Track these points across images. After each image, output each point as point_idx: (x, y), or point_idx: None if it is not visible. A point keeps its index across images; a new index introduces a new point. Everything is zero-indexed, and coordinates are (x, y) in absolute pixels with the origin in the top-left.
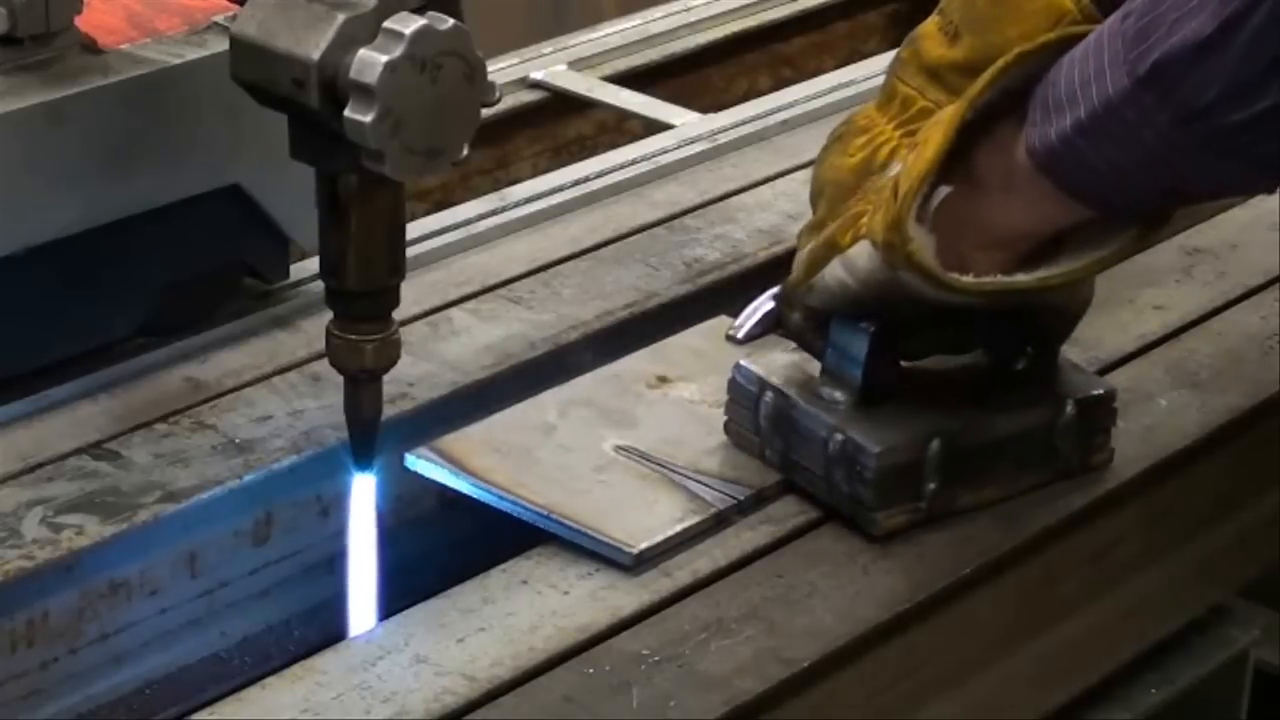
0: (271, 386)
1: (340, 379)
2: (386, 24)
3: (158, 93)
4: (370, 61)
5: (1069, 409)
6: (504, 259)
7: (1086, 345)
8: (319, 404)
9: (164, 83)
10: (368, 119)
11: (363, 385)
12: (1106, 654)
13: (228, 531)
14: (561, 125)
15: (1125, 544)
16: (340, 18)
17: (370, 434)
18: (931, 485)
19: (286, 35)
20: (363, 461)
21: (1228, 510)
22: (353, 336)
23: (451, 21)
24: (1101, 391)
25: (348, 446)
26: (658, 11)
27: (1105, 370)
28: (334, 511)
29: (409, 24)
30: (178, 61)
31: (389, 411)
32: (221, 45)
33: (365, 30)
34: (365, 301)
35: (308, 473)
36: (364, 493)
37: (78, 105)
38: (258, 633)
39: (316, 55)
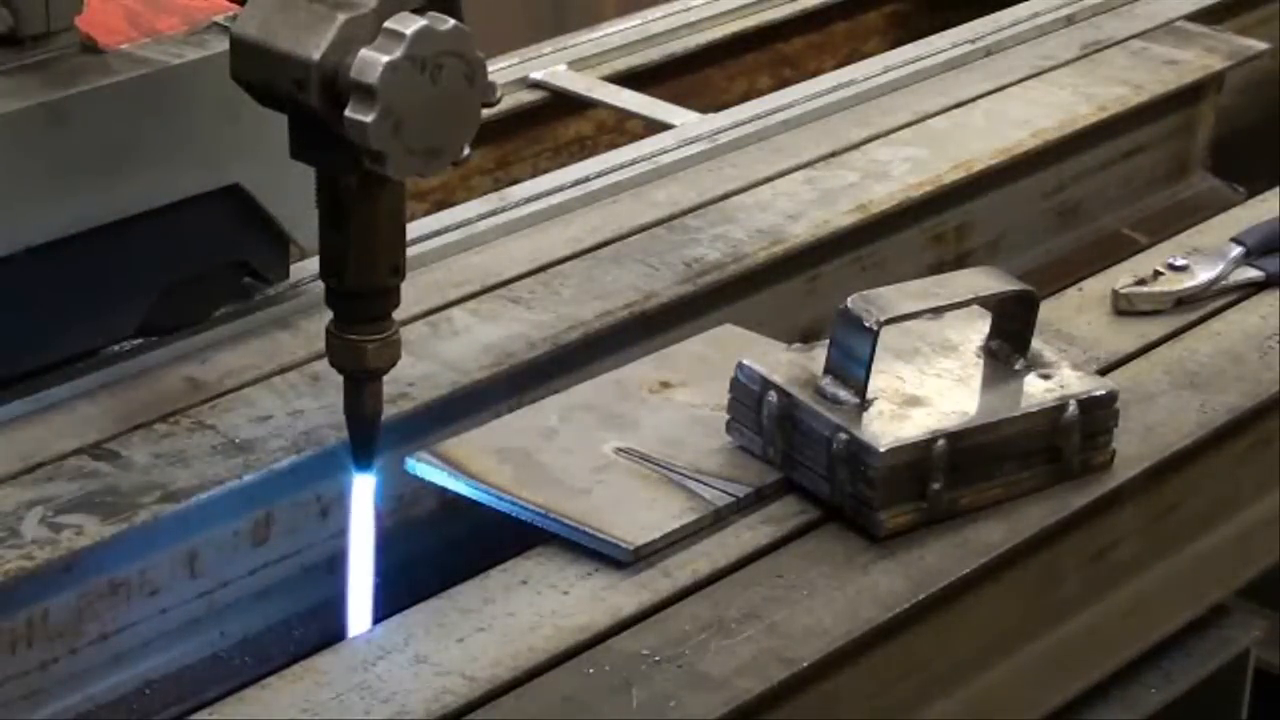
0: (271, 386)
1: (340, 379)
2: (387, 24)
3: (158, 93)
4: (371, 61)
5: (1070, 409)
6: (504, 259)
7: (1086, 345)
8: (319, 404)
9: (164, 83)
10: (369, 119)
11: (363, 385)
12: (1106, 654)
13: (227, 531)
14: (561, 125)
15: (1125, 544)
16: (341, 18)
17: (370, 434)
18: (935, 485)
19: (287, 35)
20: (363, 462)
21: (1228, 510)
22: (353, 337)
23: (452, 22)
24: (1102, 391)
25: (348, 446)
26: (658, 11)
27: (1105, 370)
28: (334, 512)
29: (409, 24)
30: (178, 61)
31: (389, 411)
32: (221, 45)
33: (366, 30)
34: (365, 302)
35: (307, 473)
36: (364, 493)
37: (78, 105)
38: (258, 633)
39: (317, 55)
